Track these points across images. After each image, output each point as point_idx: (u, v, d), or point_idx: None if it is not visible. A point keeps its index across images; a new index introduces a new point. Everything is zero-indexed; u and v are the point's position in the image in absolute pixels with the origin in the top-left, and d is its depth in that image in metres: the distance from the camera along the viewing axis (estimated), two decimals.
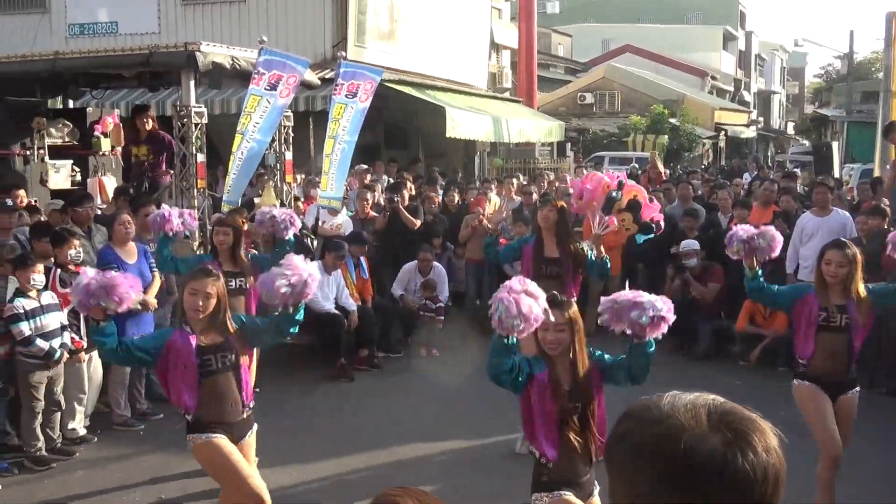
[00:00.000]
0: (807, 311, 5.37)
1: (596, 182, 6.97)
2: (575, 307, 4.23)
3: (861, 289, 5.32)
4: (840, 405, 5.40)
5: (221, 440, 4.66)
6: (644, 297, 3.97)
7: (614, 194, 6.94)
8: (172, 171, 10.13)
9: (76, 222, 8.09)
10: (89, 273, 4.51)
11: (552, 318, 4.06)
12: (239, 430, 4.77)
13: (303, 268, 4.67)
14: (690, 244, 10.26)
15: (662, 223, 7.44)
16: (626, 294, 4.03)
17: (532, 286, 3.94)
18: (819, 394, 5.36)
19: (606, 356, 4.29)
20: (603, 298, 4.08)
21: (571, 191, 12.35)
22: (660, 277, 10.71)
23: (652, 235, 7.44)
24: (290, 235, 7.19)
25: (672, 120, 36.28)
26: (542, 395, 4.10)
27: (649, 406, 1.38)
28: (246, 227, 8.91)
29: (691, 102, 40.25)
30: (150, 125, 9.98)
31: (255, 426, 4.97)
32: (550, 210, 6.90)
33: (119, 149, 11.03)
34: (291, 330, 4.83)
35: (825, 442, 5.29)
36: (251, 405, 4.88)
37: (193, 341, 4.63)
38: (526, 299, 3.86)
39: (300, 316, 4.78)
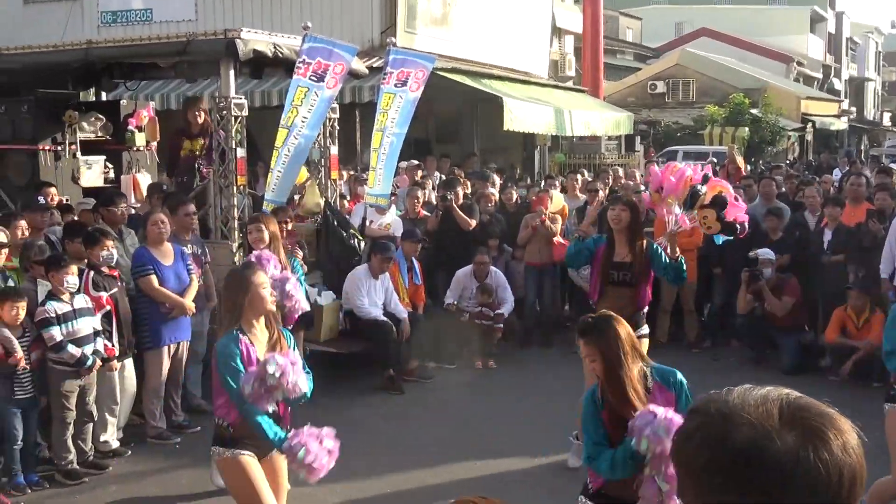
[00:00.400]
0: None
1: (679, 175, 6.93)
2: (610, 331, 4.13)
3: None
4: None
5: (248, 459, 4.74)
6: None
7: (699, 188, 6.89)
8: (211, 168, 10.31)
9: (108, 223, 8.27)
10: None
11: (583, 349, 4.14)
12: (268, 446, 4.81)
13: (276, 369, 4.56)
14: (766, 253, 10.14)
15: (747, 224, 7.37)
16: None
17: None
18: None
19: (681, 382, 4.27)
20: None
21: (642, 188, 12.37)
22: (739, 285, 10.59)
23: (733, 238, 7.37)
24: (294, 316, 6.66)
25: (753, 110, 35.75)
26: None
27: (717, 401, 1.39)
28: (290, 226, 9.04)
29: (775, 91, 39.62)
30: (202, 118, 10.15)
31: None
32: (623, 209, 6.86)
33: (154, 144, 11.24)
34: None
35: None
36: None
37: (252, 351, 4.71)
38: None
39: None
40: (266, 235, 7.11)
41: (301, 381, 4.63)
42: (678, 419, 3.73)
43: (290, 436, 4.56)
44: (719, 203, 6.92)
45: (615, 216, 6.86)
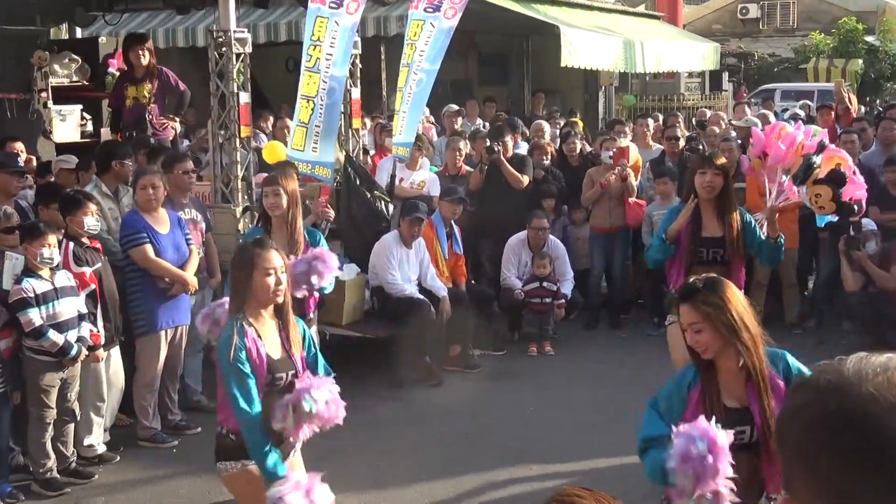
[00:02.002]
0: None
1: (790, 141, 6.88)
2: (720, 294, 4.21)
3: None
4: None
5: (254, 474, 4.86)
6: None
7: (814, 159, 6.85)
8: (178, 121, 10.39)
9: (110, 179, 8.42)
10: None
11: (685, 318, 4.20)
12: (283, 451, 4.96)
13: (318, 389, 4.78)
14: (868, 224, 10.06)
15: (864, 202, 7.33)
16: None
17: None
18: None
19: (786, 360, 4.33)
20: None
21: (732, 134, 12.28)
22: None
23: (840, 220, 7.37)
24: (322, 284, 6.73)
25: (869, 38, 35.20)
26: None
27: (830, 372, 1.43)
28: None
29: (895, 13, 39.00)
30: (147, 59, 10.26)
31: (298, 444, 5.11)
32: (716, 174, 6.84)
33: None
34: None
35: None
36: None
37: (261, 347, 4.83)
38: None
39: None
40: (284, 200, 7.15)
41: (340, 410, 4.82)
42: (722, 441, 3.74)
43: (277, 486, 4.45)
44: (837, 179, 6.89)
45: (707, 183, 6.83)
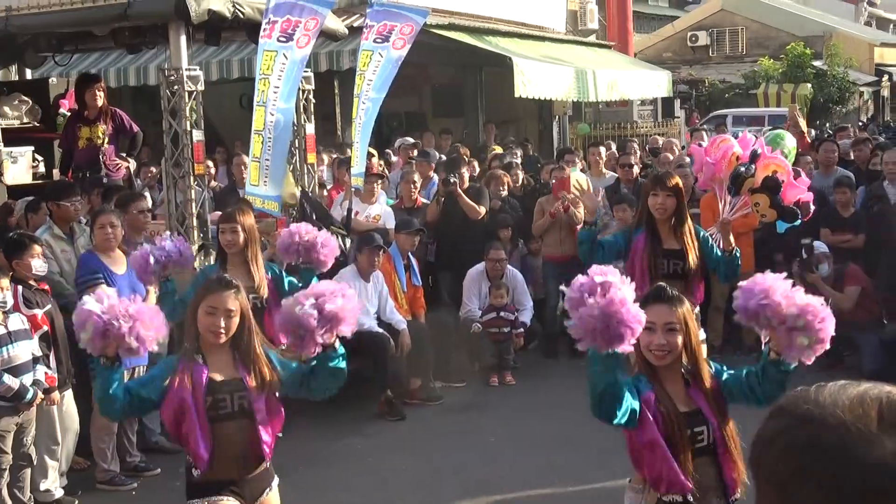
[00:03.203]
0: None
1: (721, 152, 6.93)
2: (687, 304, 4.35)
3: None
4: None
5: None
6: (812, 306, 4.14)
7: (743, 169, 6.90)
8: (131, 161, 10.36)
9: (59, 220, 8.35)
10: (107, 296, 4.63)
11: (659, 317, 4.20)
12: (252, 489, 4.85)
13: (336, 290, 4.72)
14: (820, 246, 10.18)
15: (812, 205, 7.39)
16: (785, 289, 4.18)
17: (614, 278, 3.98)
18: None
19: (724, 372, 4.42)
20: (745, 284, 4.25)
21: (687, 160, 12.39)
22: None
23: (798, 223, 7.42)
24: (329, 261, 7.29)
25: (816, 63, 35.74)
26: (649, 424, 4.21)
27: (806, 400, 1.43)
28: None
29: (842, 38, 39.58)
30: (101, 99, 10.22)
31: (276, 480, 5.02)
32: (668, 196, 6.87)
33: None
34: (326, 385, 4.94)
35: None
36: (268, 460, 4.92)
37: (204, 375, 4.73)
38: (620, 302, 3.88)
39: (339, 363, 4.83)
40: (241, 237, 7.11)
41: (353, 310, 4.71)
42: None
43: None
44: (771, 186, 6.94)
45: (659, 205, 6.87)
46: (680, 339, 4.21)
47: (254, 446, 4.77)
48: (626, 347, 3.92)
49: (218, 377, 4.76)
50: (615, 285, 3.91)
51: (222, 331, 4.74)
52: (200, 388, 4.68)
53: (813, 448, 1.36)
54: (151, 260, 6.95)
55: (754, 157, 6.99)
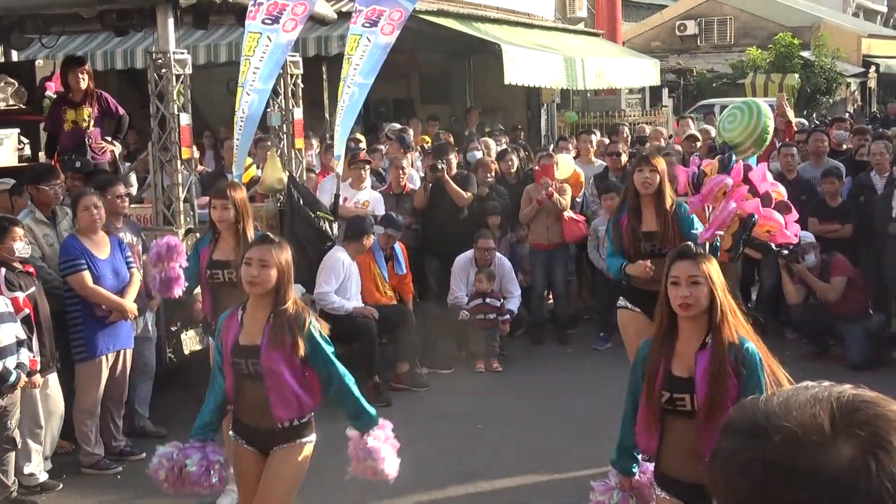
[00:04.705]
0: None
1: (725, 214, 6.90)
2: (714, 261, 4.50)
3: None
4: None
5: (238, 450, 5.35)
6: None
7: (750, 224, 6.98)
8: (116, 145, 10.29)
9: (40, 204, 8.29)
10: None
11: (682, 272, 4.39)
12: (264, 441, 5.26)
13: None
14: (807, 236, 10.20)
15: (799, 235, 7.48)
16: None
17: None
18: None
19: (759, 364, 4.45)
20: None
21: (677, 148, 12.40)
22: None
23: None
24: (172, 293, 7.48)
25: (804, 53, 35.75)
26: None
27: (756, 411, 1.37)
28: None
29: (830, 29, 39.61)
30: (86, 82, 10.15)
31: (301, 440, 5.27)
32: (653, 171, 7.16)
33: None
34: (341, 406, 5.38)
35: None
36: (293, 421, 5.20)
37: (231, 337, 5.19)
38: None
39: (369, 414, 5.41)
40: (232, 212, 7.07)
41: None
42: None
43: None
44: (763, 248, 7.25)
45: (645, 179, 7.16)
46: (705, 292, 4.36)
47: (269, 407, 5.13)
48: None
49: (242, 340, 5.14)
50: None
51: (256, 279, 5.02)
52: (229, 346, 5.19)
53: (768, 465, 1.31)
54: (156, 282, 7.35)
55: (751, 224, 7.00)
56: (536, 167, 11.53)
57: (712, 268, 4.41)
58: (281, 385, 5.07)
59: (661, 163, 7.39)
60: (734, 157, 7.08)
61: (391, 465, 5.41)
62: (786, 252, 7.47)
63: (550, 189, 10.84)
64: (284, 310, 5.09)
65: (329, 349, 5.16)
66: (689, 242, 4.70)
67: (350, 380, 5.25)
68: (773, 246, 7.22)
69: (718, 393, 4.29)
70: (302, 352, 5.06)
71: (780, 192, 7.19)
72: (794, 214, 7.20)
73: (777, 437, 1.32)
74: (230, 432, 5.44)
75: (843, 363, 10.01)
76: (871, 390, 1.40)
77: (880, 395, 1.37)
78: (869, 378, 8.14)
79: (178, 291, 7.37)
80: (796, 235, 7.25)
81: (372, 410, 5.43)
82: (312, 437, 5.33)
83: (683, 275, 4.36)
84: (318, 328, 5.18)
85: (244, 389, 5.20)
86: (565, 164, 11.49)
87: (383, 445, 5.36)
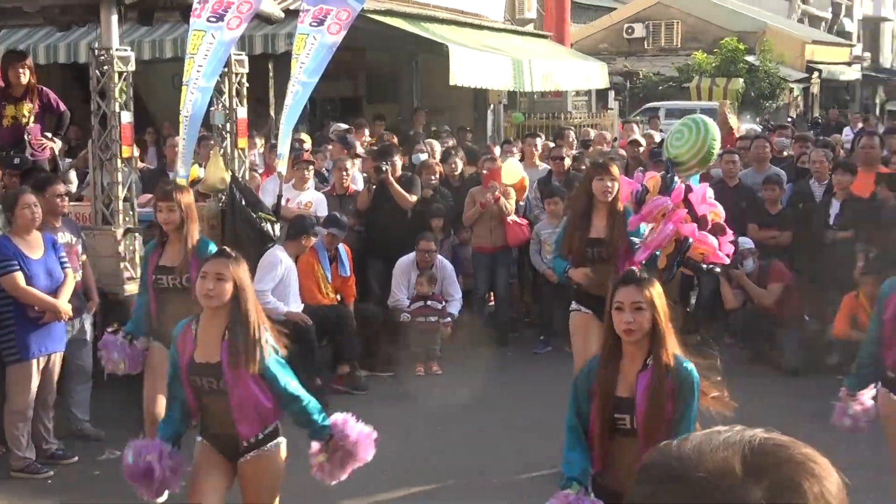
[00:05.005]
0: (892, 308, 5.78)
1: (663, 236, 6.97)
2: (658, 286, 4.55)
3: None
4: None
5: (201, 445, 5.28)
6: None
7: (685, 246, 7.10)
8: (56, 141, 10.13)
9: None
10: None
11: (627, 297, 4.45)
12: (233, 451, 5.21)
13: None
14: (746, 242, 10.29)
15: (731, 254, 7.60)
16: None
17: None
18: None
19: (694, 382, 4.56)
20: None
21: (622, 152, 12.46)
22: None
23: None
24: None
25: (749, 58, 36.13)
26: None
27: (670, 457, 1.38)
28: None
29: (775, 34, 40.04)
30: (27, 77, 10.00)
31: (268, 450, 5.25)
32: (612, 181, 7.35)
33: None
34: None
35: None
36: (258, 435, 5.18)
37: (187, 355, 5.12)
38: None
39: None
40: (178, 215, 6.98)
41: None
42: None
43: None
44: (695, 268, 7.51)
45: (605, 189, 7.34)
46: (648, 317, 4.44)
47: (233, 421, 5.11)
48: None
49: (197, 358, 5.09)
50: None
51: (211, 293, 4.99)
52: (184, 362, 5.14)
53: None
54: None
55: (686, 246, 7.07)
56: (484, 170, 11.51)
57: (655, 292, 4.48)
58: (245, 399, 5.07)
59: (615, 169, 7.64)
60: (676, 179, 7.10)
61: (364, 444, 5.49)
62: (717, 270, 7.58)
63: (497, 193, 10.85)
64: (242, 329, 5.04)
65: (283, 374, 5.16)
66: (633, 268, 4.81)
67: (303, 402, 5.25)
68: (704, 266, 7.35)
69: (658, 412, 4.41)
70: (255, 371, 5.04)
71: (717, 212, 7.24)
72: (729, 235, 7.28)
73: (691, 482, 1.32)
74: (197, 437, 5.36)
75: (779, 368, 10.11)
76: (782, 434, 1.41)
77: (792, 438, 1.38)
78: (803, 383, 8.31)
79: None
80: (728, 255, 7.35)
81: (324, 423, 5.40)
82: (281, 439, 5.33)
83: (627, 301, 4.45)
84: (275, 352, 5.15)
85: (207, 405, 5.18)
86: (513, 170, 11.50)
87: (347, 429, 5.40)
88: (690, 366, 4.53)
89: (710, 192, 7.47)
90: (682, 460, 1.35)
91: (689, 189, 7.18)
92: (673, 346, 4.53)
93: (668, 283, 7.73)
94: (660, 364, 4.45)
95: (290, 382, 5.18)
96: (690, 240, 7.01)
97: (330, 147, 13.12)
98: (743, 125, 22.62)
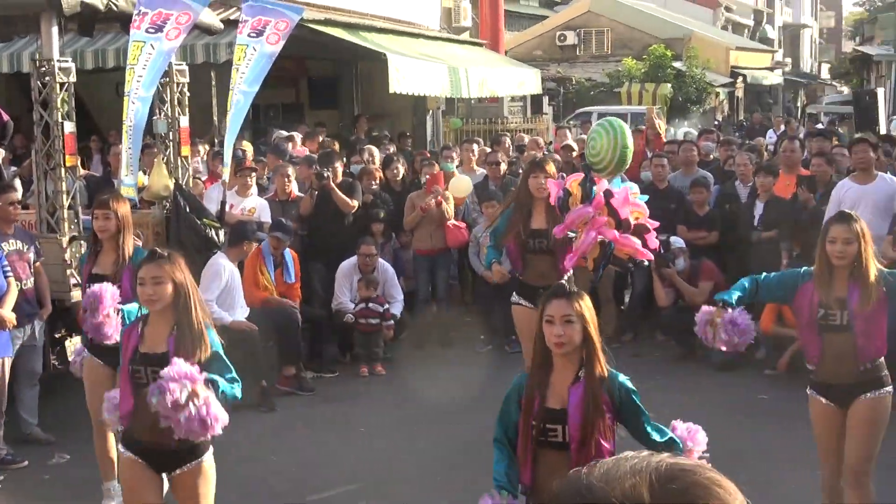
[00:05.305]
0: (806, 305, 5.75)
1: (589, 240, 7.07)
2: (587, 300, 4.47)
3: (872, 272, 5.61)
4: (853, 411, 5.76)
5: (129, 461, 5.13)
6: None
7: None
8: (0, 150, 10.00)
9: None
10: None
11: (557, 310, 4.37)
12: (164, 461, 5.07)
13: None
14: (677, 241, 10.40)
15: (655, 251, 7.70)
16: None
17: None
18: (828, 410, 5.82)
19: (633, 392, 4.47)
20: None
21: (557, 157, 12.55)
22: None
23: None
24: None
25: (676, 64, 36.52)
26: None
27: (580, 485, 1.37)
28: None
29: (700, 41, 40.52)
30: None
31: (201, 459, 5.08)
32: (547, 178, 7.60)
33: None
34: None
35: (826, 464, 5.95)
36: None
37: (132, 344, 5.07)
38: None
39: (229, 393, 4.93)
40: (113, 223, 6.88)
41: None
42: None
43: None
44: (621, 266, 7.57)
45: (539, 185, 7.56)
46: (578, 329, 4.36)
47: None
48: None
49: (142, 349, 5.04)
50: None
51: (152, 297, 4.98)
52: (127, 356, 5.08)
53: None
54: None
55: (609, 251, 7.19)
56: (427, 176, 11.47)
57: (585, 305, 4.41)
58: None
59: (551, 167, 7.92)
60: (594, 186, 7.18)
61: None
62: (646, 263, 7.71)
63: (439, 197, 10.87)
64: (187, 323, 4.98)
65: (221, 366, 5.01)
66: (563, 282, 4.71)
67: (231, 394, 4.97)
68: (630, 265, 7.48)
69: (591, 425, 4.30)
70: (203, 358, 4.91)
71: (641, 211, 7.30)
72: (653, 233, 7.37)
73: None
74: (120, 446, 5.24)
75: (708, 363, 10.20)
76: (686, 459, 1.42)
77: (697, 461, 1.39)
78: (731, 377, 8.41)
79: (110, 334, 6.28)
80: (654, 250, 7.46)
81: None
82: (210, 451, 5.16)
83: (557, 314, 4.36)
84: (220, 347, 5.08)
85: (142, 402, 4.85)
86: (463, 186, 11.53)
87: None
88: (625, 378, 4.45)
89: (633, 188, 7.56)
90: (591, 489, 1.35)
91: (609, 194, 7.28)
92: (601, 359, 4.43)
93: (596, 283, 7.87)
94: (592, 377, 4.36)
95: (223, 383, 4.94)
96: (613, 244, 7.15)
97: (264, 159, 12.96)
98: (680, 130, 22.87)
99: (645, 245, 7.18)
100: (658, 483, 1.32)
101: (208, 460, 5.15)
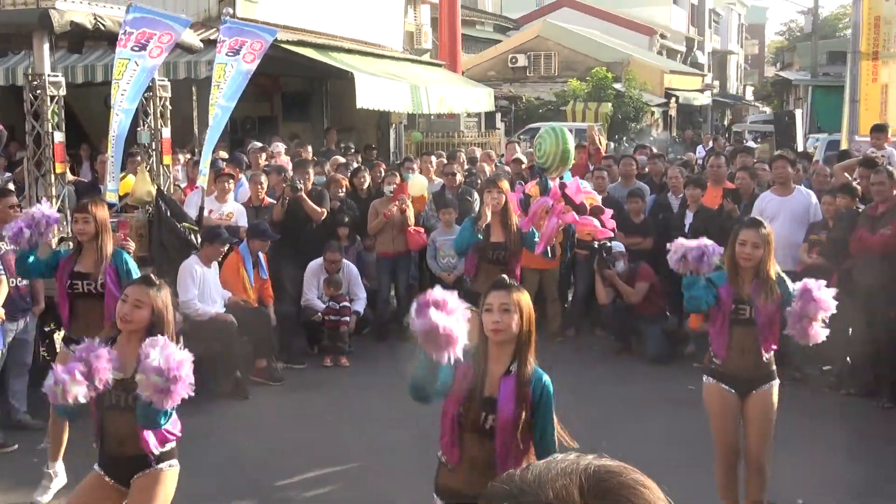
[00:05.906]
0: (723, 301, 5.81)
1: (550, 230, 7.27)
2: (526, 294, 4.35)
3: (773, 274, 5.75)
4: (752, 402, 5.81)
5: (92, 476, 4.83)
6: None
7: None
8: None
9: None
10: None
11: (496, 300, 4.24)
12: (124, 470, 4.80)
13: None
14: (617, 246, 10.44)
15: (615, 230, 7.83)
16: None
17: (448, 299, 3.98)
18: (728, 395, 5.81)
19: (551, 395, 4.30)
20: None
21: (507, 168, 12.55)
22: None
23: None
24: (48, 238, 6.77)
25: (616, 85, 36.70)
26: (451, 397, 4.29)
27: (512, 486, 1.34)
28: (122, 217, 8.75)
29: (638, 65, 40.76)
30: None
31: (162, 466, 4.79)
32: (499, 193, 7.86)
33: None
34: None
35: (721, 446, 5.87)
36: (153, 454, 4.75)
37: (108, 371, 4.58)
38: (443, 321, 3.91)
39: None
40: (92, 226, 6.74)
41: None
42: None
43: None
44: (588, 247, 8.30)
45: (494, 200, 7.80)
46: (515, 319, 4.20)
47: (134, 438, 4.71)
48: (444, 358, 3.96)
49: (117, 375, 4.66)
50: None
51: (127, 317, 4.71)
52: (102, 386, 4.61)
53: None
54: (26, 232, 6.59)
55: (572, 232, 7.32)
56: (392, 185, 11.42)
57: (523, 298, 4.27)
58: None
59: (505, 185, 8.15)
60: (549, 182, 7.34)
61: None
62: (608, 245, 7.85)
63: (404, 205, 10.89)
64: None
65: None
66: (504, 276, 4.56)
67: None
68: (595, 243, 7.63)
69: (517, 417, 4.16)
70: None
71: (593, 198, 7.60)
72: (608, 212, 7.60)
73: None
74: (95, 466, 4.89)
75: (644, 357, 10.26)
76: (611, 460, 1.38)
77: (622, 463, 1.36)
78: (664, 370, 8.45)
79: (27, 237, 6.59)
80: (613, 230, 7.67)
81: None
82: (175, 462, 4.89)
83: (496, 302, 4.22)
84: None
85: (111, 420, 4.73)
86: (420, 184, 11.57)
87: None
88: (547, 379, 4.30)
89: (583, 183, 7.76)
90: (523, 490, 1.31)
91: (563, 185, 7.51)
92: (531, 353, 4.29)
93: (566, 264, 7.80)
94: (523, 371, 4.22)
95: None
96: (574, 226, 7.38)
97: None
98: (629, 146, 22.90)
99: (603, 225, 7.42)
100: (587, 484, 1.30)
101: (171, 472, 4.84)
